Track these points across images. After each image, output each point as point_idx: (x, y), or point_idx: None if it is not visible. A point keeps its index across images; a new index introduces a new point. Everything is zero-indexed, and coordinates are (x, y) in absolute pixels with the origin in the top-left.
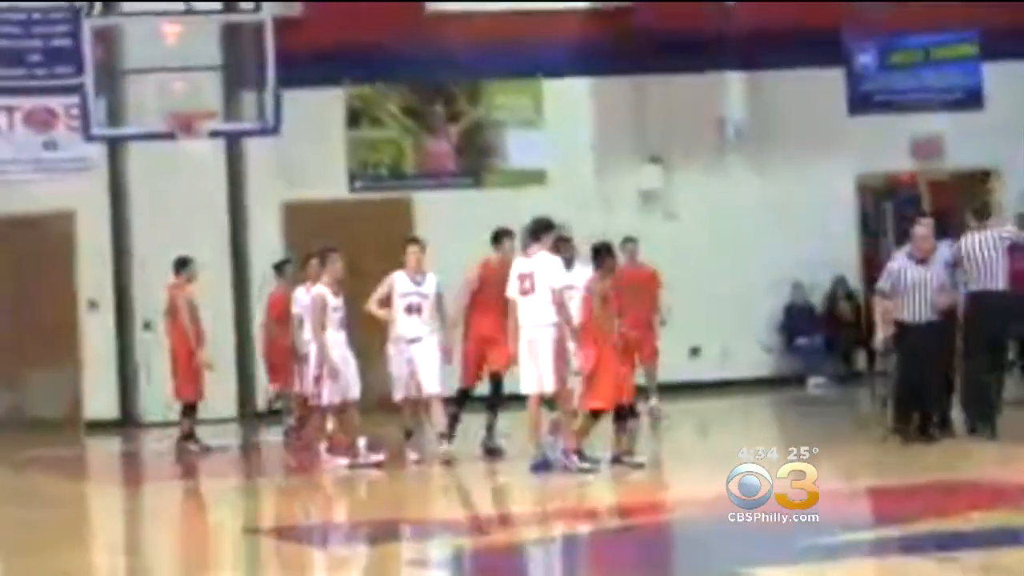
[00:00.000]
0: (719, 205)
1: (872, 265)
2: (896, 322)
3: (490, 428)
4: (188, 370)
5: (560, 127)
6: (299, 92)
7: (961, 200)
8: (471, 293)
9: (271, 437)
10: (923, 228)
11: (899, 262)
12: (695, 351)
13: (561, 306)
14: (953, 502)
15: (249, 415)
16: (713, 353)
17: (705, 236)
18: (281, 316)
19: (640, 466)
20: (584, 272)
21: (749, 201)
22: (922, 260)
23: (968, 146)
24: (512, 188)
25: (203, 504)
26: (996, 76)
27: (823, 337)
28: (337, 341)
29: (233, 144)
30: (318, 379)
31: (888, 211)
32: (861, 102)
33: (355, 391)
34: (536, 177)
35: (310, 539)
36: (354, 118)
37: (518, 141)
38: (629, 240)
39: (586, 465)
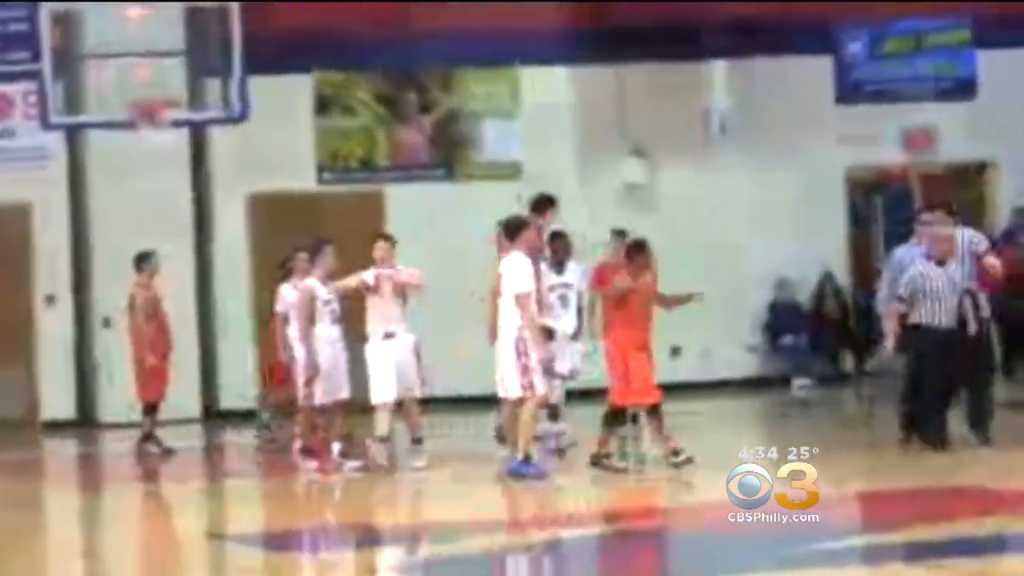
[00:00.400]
0: (704, 199)
1: (861, 261)
2: (912, 326)
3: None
4: (149, 369)
5: (538, 118)
6: (266, 79)
7: (955, 194)
8: None
9: (236, 438)
10: (941, 228)
11: (919, 267)
12: (676, 351)
13: (524, 309)
14: (945, 508)
15: (213, 415)
16: (694, 353)
17: (689, 231)
18: None
19: (623, 470)
20: (577, 270)
21: (735, 195)
22: (941, 262)
23: (962, 138)
24: (487, 181)
25: (164, 508)
26: (991, 64)
27: (809, 336)
28: (329, 337)
29: (197, 133)
30: (310, 380)
31: (878, 205)
32: (851, 91)
33: (345, 391)
34: (512, 170)
35: (276, 544)
36: (323, 106)
37: (494, 132)
38: (617, 233)
39: (680, 458)
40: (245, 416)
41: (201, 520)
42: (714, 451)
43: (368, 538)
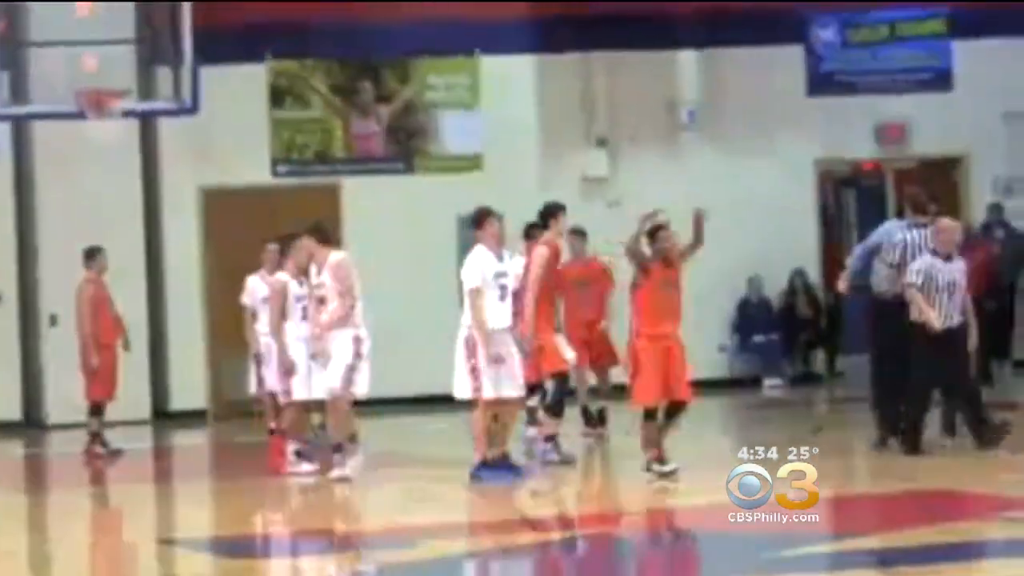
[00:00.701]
0: (670, 193)
1: (833, 258)
2: (918, 324)
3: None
4: (96, 367)
5: (499, 108)
6: (218, 68)
7: (929, 189)
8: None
9: (186, 440)
10: (950, 220)
11: (926, 259)
12: None
13: (472, 306)
14: (916, 513)
15: (163, 416)
16: None
17: None
18: None
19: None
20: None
21: (702, 189)
22: (948, 256)
23: (936, 131)
24: (446, 174)
25: (113, 512)
26: (966, 55)
27: (780, 335)
28: (299, 334)
29: (147, 124)
30: (287, 376)
31: (851, 200)
32: (822, 83)
33: (315, 389)
34: (472, 162)
35: (229, 550)
36: (278, 97)
37: (453, 123)
38: (575, 232)
39: (665, 468)
40: (196, 417)
41: (151, 525)
42: (680, 453)
43: (324, 543)
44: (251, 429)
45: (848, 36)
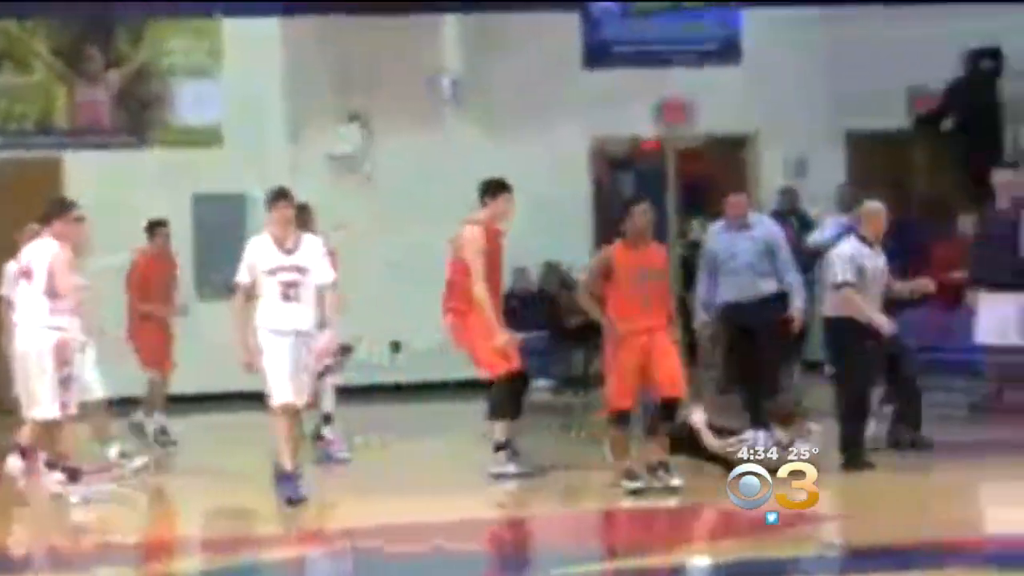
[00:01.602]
0: (430, 174)
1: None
2: (846, 320)
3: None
4: None
5: (241, 76)
6: None
7: (715, 171)
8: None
9: None
10: (878, 203)
11: (851, 246)
12: (397, 346)
13: (234, 302)
14: (691, 529)
15: None
16: (420, 348)
17: (412, 211)
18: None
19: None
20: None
21: (465, 170)
22: (873, 243)
23: (723, 108)
24: (182, 148)
25: None
26: (756, 26)
27: (550, 333)
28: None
29: None
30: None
31: (627, 182)
32: (599, 54)
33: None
34: (211, 135)
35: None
36: None
37: (190, 92)
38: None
39: (633, 485)
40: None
41: None
42: (434, 464)
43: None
44: None
45: (629, 3)
